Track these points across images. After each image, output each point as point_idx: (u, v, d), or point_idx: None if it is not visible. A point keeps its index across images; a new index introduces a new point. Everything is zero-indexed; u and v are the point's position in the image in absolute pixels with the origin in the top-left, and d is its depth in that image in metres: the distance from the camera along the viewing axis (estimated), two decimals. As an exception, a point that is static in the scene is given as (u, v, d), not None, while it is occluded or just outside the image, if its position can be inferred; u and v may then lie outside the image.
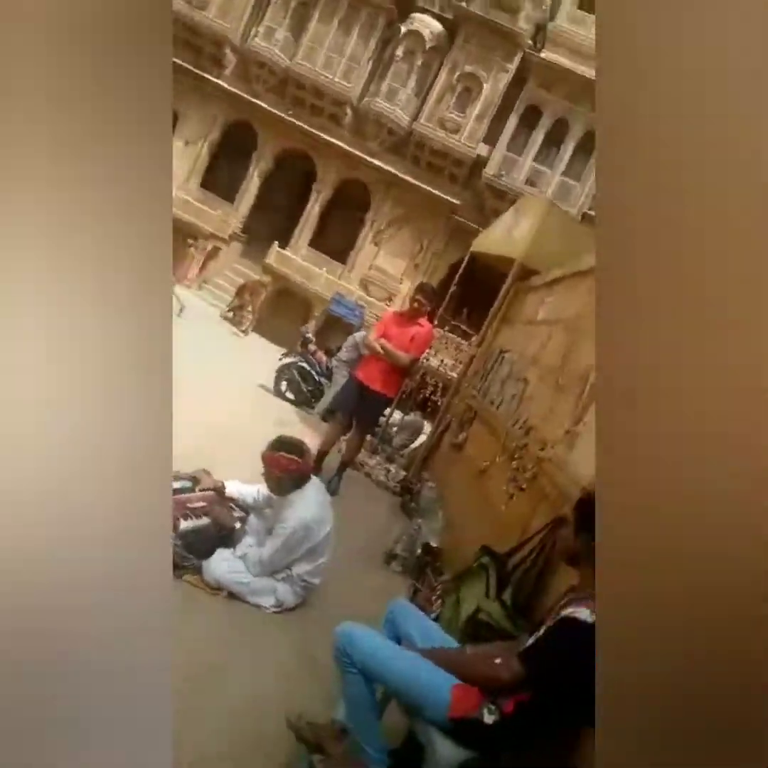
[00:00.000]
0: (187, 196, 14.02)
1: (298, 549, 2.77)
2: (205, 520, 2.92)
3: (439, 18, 12.40)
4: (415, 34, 12.40)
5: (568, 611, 1.57)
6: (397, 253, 13.47)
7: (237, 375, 9.13)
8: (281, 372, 8.89)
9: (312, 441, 6.41)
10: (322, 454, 5.22)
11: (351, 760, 1.79)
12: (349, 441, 5.40)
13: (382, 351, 4.98)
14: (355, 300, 13.46)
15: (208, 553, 2.80)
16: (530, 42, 11.90)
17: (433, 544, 4.07)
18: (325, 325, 14.19)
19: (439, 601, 2.91)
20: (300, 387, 8.76)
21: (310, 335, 10.70)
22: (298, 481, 2.83)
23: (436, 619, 2.46)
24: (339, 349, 8.69)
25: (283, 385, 8.76)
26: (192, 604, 2.64)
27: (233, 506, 3.13)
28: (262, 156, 13.68)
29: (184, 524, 2.83)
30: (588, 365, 3.00)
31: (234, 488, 3.14)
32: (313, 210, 13.30)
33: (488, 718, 1.58)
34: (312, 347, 9.35)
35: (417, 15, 12.54)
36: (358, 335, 8.36)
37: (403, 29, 12.50)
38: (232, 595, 2.76)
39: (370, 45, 12.61)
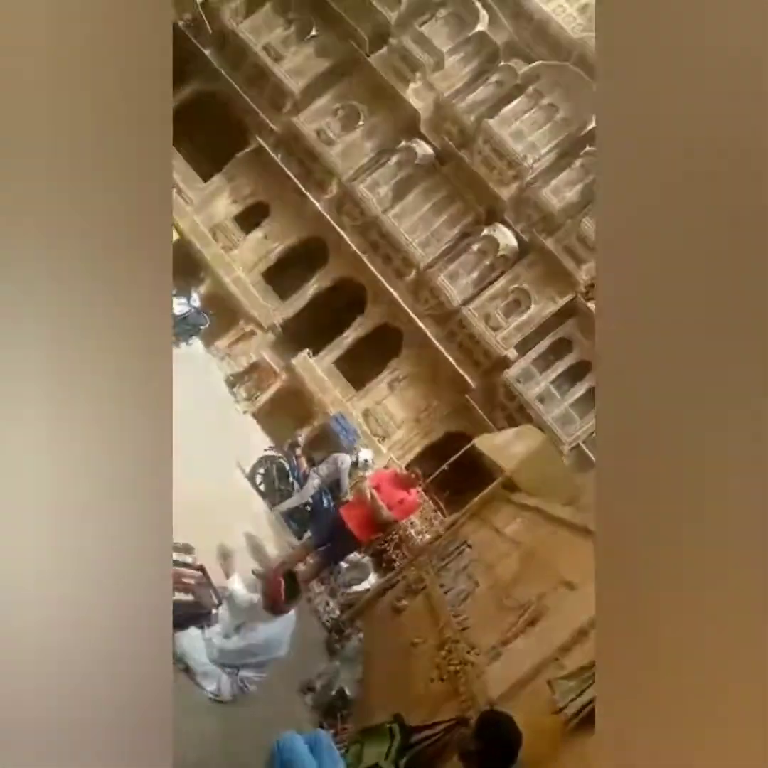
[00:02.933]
0: (246, 279, 15.26)
1: (253, 658, 3.30)
2: (189, 597, 3.45)
3: (517, 236, 14.29)
4: (492, 240, 14.22)
5: None
6: (405, 403, 14.45)
7: (219, 447, 8.81)
8: (262, 462, 9.18)
9: (273, 546, 6.84)
10: (287, 570, 5.72)
11: None
12: (309, 565, 5.91)
13: (369, 497, 5.61)
14: (355, 425, 14.11)
15: (179, 626, 3.31)
16: (583, 290, 13.62)
17: (348, 692, 4.50)
18: (316, 436, 14.72)
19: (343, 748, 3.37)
20: (273, 482, 9.02)
21: (301, 439, 11.27)
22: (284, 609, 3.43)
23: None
24: (321, 461, 9.17)
25: (259, 474, 9.05)
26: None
27: (214, 593, 3.66)
28: (326, 275, 15.12)
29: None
30: (530, 599, 3.56)
31: (236, 586, 3.69)
32: (347, 338, 14.50)
33: None
34: (298, 451, 9.71)
35: (499, 225, 14.40)
36: (340, 457, 8.97)
37: (486, 231, 14.33)
38: (184, 669, 3.26)
39: (452, 231, 14.46)
